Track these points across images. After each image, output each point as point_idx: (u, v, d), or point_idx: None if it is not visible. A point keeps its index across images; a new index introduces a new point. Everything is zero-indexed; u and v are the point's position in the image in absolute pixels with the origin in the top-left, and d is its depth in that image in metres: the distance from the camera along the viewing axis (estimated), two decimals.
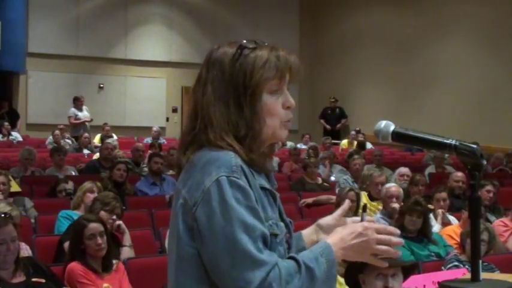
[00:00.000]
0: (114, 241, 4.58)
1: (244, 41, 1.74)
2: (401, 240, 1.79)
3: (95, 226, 4.38)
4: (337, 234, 1.74)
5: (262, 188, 1.71)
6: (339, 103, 17.94)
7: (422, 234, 5.52)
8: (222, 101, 1.70)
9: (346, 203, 2.02)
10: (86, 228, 4.36)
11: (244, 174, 1.64)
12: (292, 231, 1.88)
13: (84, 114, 14.47)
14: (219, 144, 1.68)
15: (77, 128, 14.23)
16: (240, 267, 1.56)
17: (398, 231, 1.76)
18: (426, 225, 5.54)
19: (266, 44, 1.75)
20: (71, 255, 4.42)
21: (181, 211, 1.67)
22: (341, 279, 3.97)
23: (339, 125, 17.70)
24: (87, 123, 14.47)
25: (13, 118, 15.65)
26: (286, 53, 1.74)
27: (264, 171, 1.75)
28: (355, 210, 6.38)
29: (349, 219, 1.98)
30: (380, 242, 1.72)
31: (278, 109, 1.74)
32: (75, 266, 4.30)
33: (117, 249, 4.91)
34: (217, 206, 1.60)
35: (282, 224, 1.74)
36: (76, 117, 14.37)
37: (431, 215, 6.29)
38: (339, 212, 1.99)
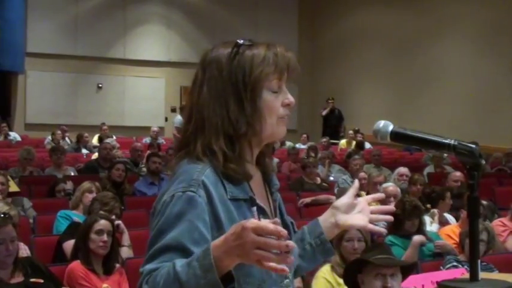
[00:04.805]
0: (115, 247, 4.59)
1: (240, 40, 1.71)
2: (287, 244, 1.40)
3: (105, 223, 4.48)
4: (225, 234, 1.48)
5: (236, 200, 1.66)
6: (338, 103, 17.93)
7: (419, 233, 5.51)
8: (219, 99, 1.67)
9: (356, 182, 1.95)
10: (97, 222, 4.45)
11: (204, 189, 1.61)
12: (292, 231, 1.87)
13: None
14: (199, 155, 1.66)
15: None
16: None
17: (284, 232, 1.41)
18: (421, 223, 5.55)
19: (262, 42, 1.72)
20: (75, 250, 4.47)
21: (150, 220, 1.70)
22: (340, 280, 3.97)
23: (343, 124, 17.68)
24: None
25: (5, 117, 15.65)
26: (284, 50, 1.71)
27: (246, 179, 1.70)
28: None
29: (361, 199, 1.87)
30: (258, 246, 1.41)
31: (277, 106, 1.71)
32: (76, 266, 4.30)
33: (118, 253, 4.91)
34: (160, 220, 1.61)
35: None
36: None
37: (428, 215, 6.33)
38: (352, 190, 1.89)
